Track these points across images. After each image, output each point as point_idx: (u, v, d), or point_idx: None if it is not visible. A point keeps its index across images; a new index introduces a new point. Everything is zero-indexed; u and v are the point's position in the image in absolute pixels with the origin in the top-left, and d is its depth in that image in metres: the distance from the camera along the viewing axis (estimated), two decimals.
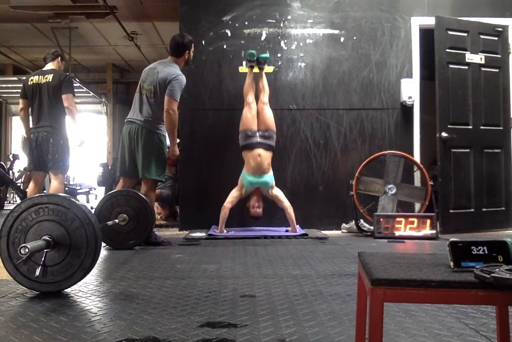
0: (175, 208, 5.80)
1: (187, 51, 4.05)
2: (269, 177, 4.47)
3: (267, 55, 4.84)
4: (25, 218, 2.28)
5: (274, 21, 5.06)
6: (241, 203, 4.53)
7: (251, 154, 4.46)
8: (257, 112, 4.62)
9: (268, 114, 4.61)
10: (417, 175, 4.85)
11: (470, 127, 4.75)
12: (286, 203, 4.45)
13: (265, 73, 4.88)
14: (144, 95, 3.90)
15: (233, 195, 4.49)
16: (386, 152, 4.72)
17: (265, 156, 4.46)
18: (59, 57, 4.55)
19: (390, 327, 1.76)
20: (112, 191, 3.84)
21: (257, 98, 4.70)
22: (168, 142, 3.99)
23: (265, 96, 4.70)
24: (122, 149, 3.98)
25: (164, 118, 3.84)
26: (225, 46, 5.03)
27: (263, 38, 5.03)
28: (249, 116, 4.57)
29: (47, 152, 4.28)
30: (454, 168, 4.63)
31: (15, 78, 9.55)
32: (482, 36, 4.83)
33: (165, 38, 8.62)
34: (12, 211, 2.31)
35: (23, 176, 9.35)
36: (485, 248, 1.07)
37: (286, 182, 4.90)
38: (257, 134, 4.51)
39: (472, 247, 1.08)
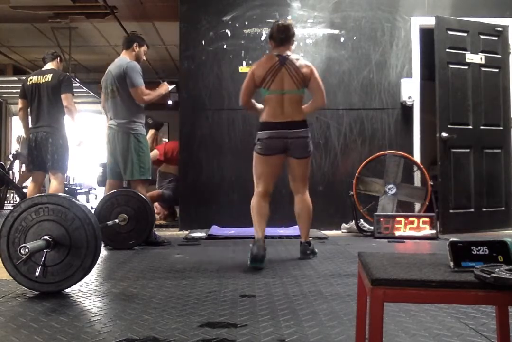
0: (174, 208, 5.80)
1: (136, 44, 4.03)
2: None
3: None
4: (25, 218, 2.28)
5: (274, 21, 5.04)
6: (241, 203, 4.52)
7: None
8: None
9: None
10: (417, 175, 4.85)
11: (470, 127, 4.75)
12: None
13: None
14: (111, 99, 3.94)
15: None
16: (386, 152, 4.72)
17: None
18: (58, 58, 4.57)
19: (390, 327, 1.76)
20: (112, 191, 3.84)
21: None
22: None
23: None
24: (107, 153, 4.06)
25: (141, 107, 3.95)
26: (225, 46, 5.03)
27: (263, 38, 5.03)
28: None
29: (46, 152, 4.28)
30: (454, 168, 4.63)
31: (15, 78, 9.55)
32: (482, 36, 4.83)
33: (165, 38, 8.62)
34: (12, 211, 2.31)
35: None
36: (485, 248, 1.07)
37: (286, 182, 4.88)
38: None
39: (472, 247, 1.08)
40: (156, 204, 5.58)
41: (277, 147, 3.23)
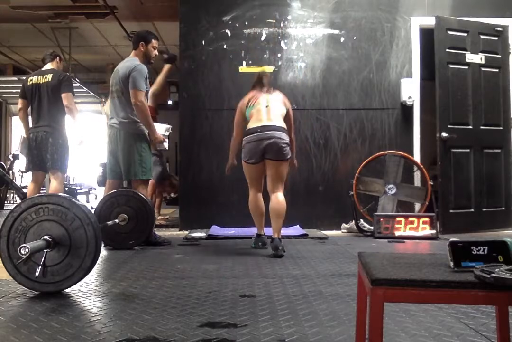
0: (171, 180, 5.77)
1: (142, 42, 3.97)
2: None
3: None
4: (25, 218, 2.28)
5: (274, 21, 5.05)
6: (240, 203, 4.52)
7: None
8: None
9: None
10: (417, 175, 4.85)
11: (470, 127, 4.75)
12: None
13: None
14: (115, 98, 3.91)
15: None
16: (386, 152, 4.72)
17: None
18: (58, 58, 4.56)
19: (390, 327, 1.76)
20: (112, 191, 3.84)
21: None
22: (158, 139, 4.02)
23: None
24: (108, 152, 4.03)
25: (135, 112, 3.83)
26: (225, 46, 5.02)
27: (263, 38, 5.03)
28: None
29: (46, 152, 4.29)
30: (454, 168, 4.63)
31: (15, 78, 9.55)
32: (482, 36, 4.83)
33: (165, 38, 8.61)
34: (12, 211, 2.31)
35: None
36: (485, 248, 1.07)
37: (286, 182, 4.88)
38: None
39: (472, 247, 1.08)
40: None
41: (256, 152, 3.47)
